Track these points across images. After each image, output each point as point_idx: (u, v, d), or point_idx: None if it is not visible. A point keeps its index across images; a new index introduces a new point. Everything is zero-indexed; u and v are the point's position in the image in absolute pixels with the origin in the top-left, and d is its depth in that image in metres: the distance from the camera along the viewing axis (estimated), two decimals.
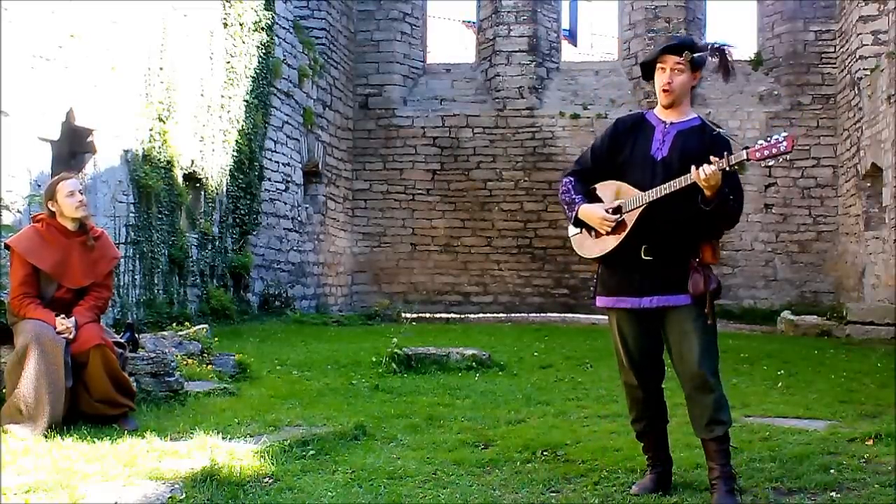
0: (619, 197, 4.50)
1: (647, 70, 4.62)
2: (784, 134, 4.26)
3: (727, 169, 4.22)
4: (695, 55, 4.49)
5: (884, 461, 5.16)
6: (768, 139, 4.26)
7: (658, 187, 4.36)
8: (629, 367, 4.57)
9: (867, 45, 18.08)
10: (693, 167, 4.25)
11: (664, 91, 4.52)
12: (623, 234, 4.44)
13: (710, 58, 4.60)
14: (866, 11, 18.10)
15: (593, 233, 4.58)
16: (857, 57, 18.29)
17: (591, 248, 4.62)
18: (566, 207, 4.67)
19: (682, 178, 4.31)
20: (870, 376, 9.15)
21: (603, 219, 4.47)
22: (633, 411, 4.70)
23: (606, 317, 4.74)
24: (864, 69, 18.01)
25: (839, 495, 4.48)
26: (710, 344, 4.45)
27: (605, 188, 4.60)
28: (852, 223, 18.81)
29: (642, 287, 4.46)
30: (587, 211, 4.54)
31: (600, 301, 4.65)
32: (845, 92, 19.41)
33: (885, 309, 14.46)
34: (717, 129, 4.52)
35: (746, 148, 4.27)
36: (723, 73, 4.57)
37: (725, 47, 4.58)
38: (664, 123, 4.58)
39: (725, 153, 4.25)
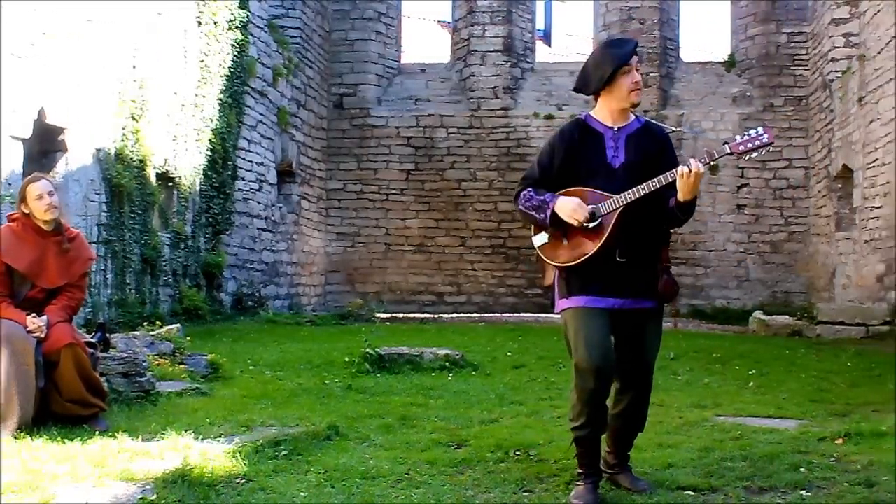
0: (586, 203, 4.43)
1: (598, 78, 4.56)
2: (760, 128, 4.33)
3: (711, 162, 4.29)
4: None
5: (853, 460, 5.20)
6: (748, 133, 4.31)
7: (636, 188, 4.34)
8: (592, 368, 4.31)
9: (839, 47, 18.23)
10: (681, 166, 4.27)
11: (636, 91, 4.52)
12: (603, 237, 4.39)
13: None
14: (838, 14, 18.25)
15: (566, 240, 4.50)
16: (829, 59, 18.43)
17: (566, 254, 4.51)
18: (534, 212, 4.53)
19: (661, 177, 4.32)
20: (840, 376, 9.21)
21: (577, 210, 4.38)
22: (582, 416, 4.41)
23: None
24: (835, 71, 18.15)
25: (809, 494, 4.51)
26: (659, 342, 4.63)
27: (567, 196, 4.51)
28: (823, 224, 18.95)
29: (618, 289, 4.45)
30: (565, 205, 4.43)
31: (570, 302, 4.48)
32: (817, 94, 19.55)
33: (856, 309, 14.58)
34: (664, 128, 4.64)
35: (728, 143, 4.32)
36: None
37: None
38: (612, 129, 4.58)
39: (706, 151, 4.31)
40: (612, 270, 4.42)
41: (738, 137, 4.33)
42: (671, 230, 4.62)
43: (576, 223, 4.41)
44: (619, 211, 4.37)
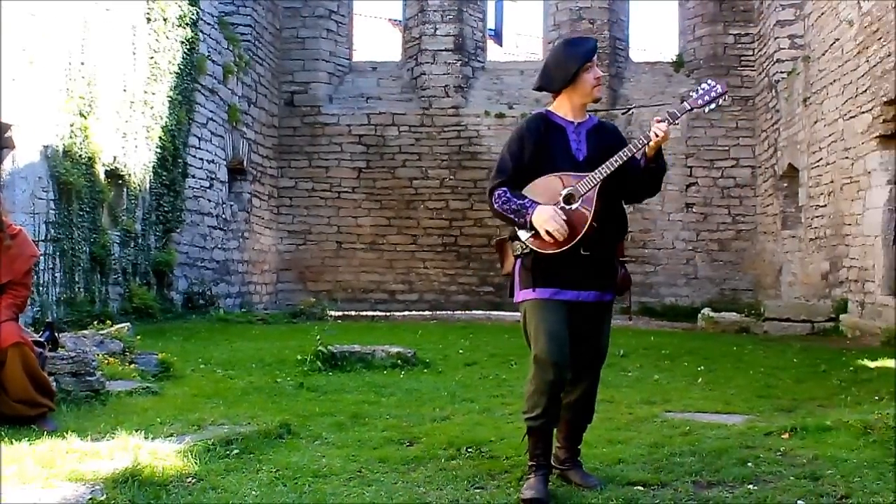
0: (561, 189, 4.46)
1: (560, 76, 4.66)
2: (712, 80, 4.50)
3: (675, 123, 4.48)
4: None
5: (799, 454, 5.26)
6: (701, 87, 4.48)
7: (607, 162, 4.43)
8: (552, 362, 4.37)
9: (784, 48, 18.47)
10: (652, 127, 4.45)
11: (599, 86, 4.68)
12: (590, 216, 4.40)
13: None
14: (783, 16, 18.49)
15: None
16: (775, 60, 18.66)
17: (545, 244, 4.45)
18: (513, 216, 4.50)
19: (631, 145, 4.48)
20: (786, 371, 9.34)
21: (554, 220, 4.37)
22: (538, 407, 4.44)
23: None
24: (781, 72, 18.38)
25: (756, 488, 4.56)
26: (608, 334, 4.73)
27: (536, 187, 4.52)
28: (770, 222, 19.18)
29: (582, 282, 4.51)
30: (543, 215, 4.41)
31: (535, 293, 4.49)
32: (763, 94, 19.78)
33: (801, 306, 14.78)
34: (613, 124, 4.85)
35: (685, 100, 4.43)
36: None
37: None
38: (572, 124, 4.68)
39: (668, 112, 4.53)
40: (577, 264, 4.48)
41: (693, 93, 4.49)
42: (645, 193, 4.75)
43: (550, 237, 4.38)
44: (598, 186, 4.43)
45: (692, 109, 4.53)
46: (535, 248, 4.49)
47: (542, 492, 4.33)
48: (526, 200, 4.48)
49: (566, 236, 4.38)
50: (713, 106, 4.50)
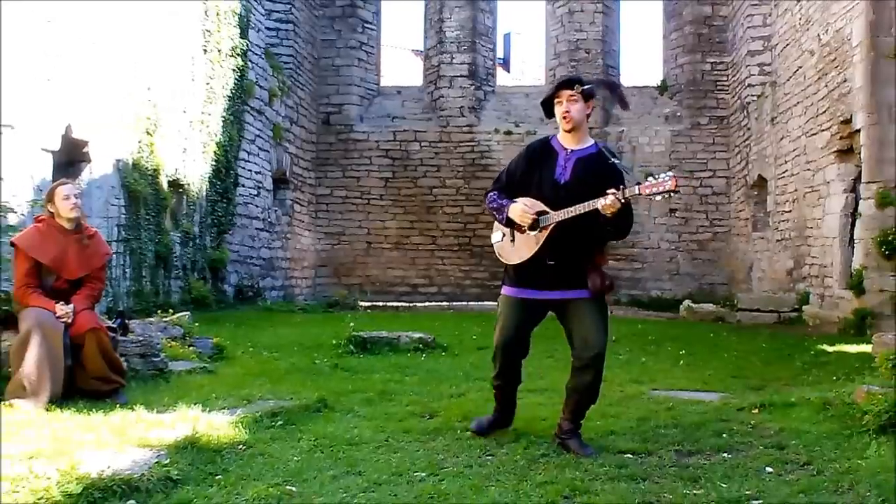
0: (538, 207, 4.66)
1: (548, 107, 4.81)
2: (670, 174, 4.45)
3: (622, 200, 4.41)
4: (584, 88, 4.70)
5: (767, 426, 5.26)
6: (657, 177, 4.45)
7: (565, 209, 4.55)
8: (507, 341, 4.78)
9: (754, 75, 18.40)
10: (601, 198, 4.42)
11: (564, 118, 4.70)
12: (537, 247, 4.63)
13: (597, 89, 4.86)
14: (754, 47, 18.42)
15: (513, 243, 4.75)
16: (746, 85, 18.59)
17: (510, 255, 4.79)
18: (496, 213, 4.82)
19: (587, 203, 4.48)
20: (756, 355, 9.30)
21: (525, 214, 4.64)
22: (498, 374, 4.92)
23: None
24: (752, 95, 18.31)
25: (730, 456, 4.56)
26: (605, 328, 4.71)
27: (523, 202, 4.72)
28: (742, 225, 19.11)
29: (547, 284, 4.67)
30: (516, 209, 4.67)
31: (507, 290, 4.85)
32: (736, 114, 19.71)
33: (769, 298, 14.73)
34: (613, 160, 4.67)
35: (639, 184, 4.46)
36: (620, 103, 4.92)
37: (615, 83, 4.95)
38: (566, 150, 4.75)
39: (622, 186, 4.45)
40: (543, 270, 4.66)
41: (650, 179, 4.46)
42: (607, 239, 4.75)
43: (523, 224, 4.65)
44: (551, 226, 4.59)
45: (640, 195, 4.44)
46: (497, 254, 4.91)
47: (483, 423, 5.03)
48: (505, 200, 4.76)
49: (529, 224, 4.63)
50: (659, 198, 4.44)
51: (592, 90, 4.73)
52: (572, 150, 4.73)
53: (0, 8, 7.78)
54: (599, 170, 4.63)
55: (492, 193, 4.88)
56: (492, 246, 5.01)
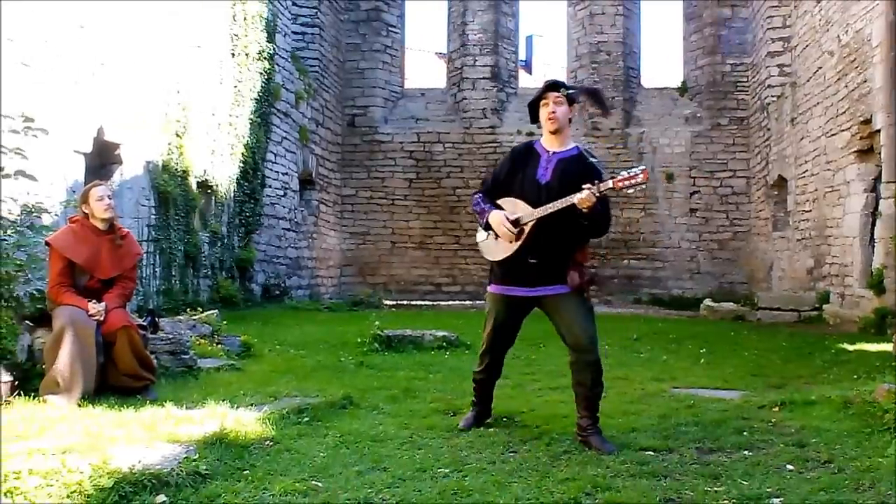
0: (516, 210, 4.76)
1: (534, 111, 4.92)
2: (642, 167, 4.59)
3: (598, 194, 4.50)
4: (569, 92, 4.83)
5: (788, 424, 5.21)
6: (629, 171, 4.55)
7: (544, 206, 4.64)
8: (494, 335, 5.00)
9: (774, 76, 18.25)
10: (577, 193, 4.51)
11: (550, 119, 4.81)
12: (518, 244, 4.73)
13: (581, 97, 4.99)
14: (773, 48, 18.28)
15: (497, 241, 4.84)
16: (766, 86, 18.45)
17: (494, 252, 4.87)
18: (478, 216, 4.94)
19: (563, 199, 4.57)
20: (776, 353, 9.23)
21: (502, 224, 4.73)
22: (481, 365, 5.13)
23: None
24: (771, 96, 18.17)
25: (751, 453, 4.52)
26: (589, 320, 4.77)
27: (506, 203, 4.85)
28: (762, 225, 18.97)
29: (528, 281, 4.77)
30: (495, 217, 4.78)
31: (493, 288, 4.96)
32: (756, 115, 19.57)
33: (789, 297, 14.62)
34: (592, 159, 4.80)
35: (612, 178, 4.56)
36: (601, 109, 4.98)
37: (596, 90, 5.01)
38: (548, 152, 4.86)
39: (596, 181, 4.54)
40: (524, 268, 4.75)
41: (624, 173, 4.56)
42: (588, 236, 4.80)
43: (504, 238, 4.76)
44: (533, 223, 4.68)
45: (613, 188, 4.52)
46: (482, 252, 5.01)
47: (470, 419, 5.13)
48: (487, 206, 4.88)
49: (512, 237, 4.72)
50: (632, 190, 4.60)
51: (575, 96, 4.87)
52: (554, 152, 4.84)
53: (0, 8, 7.84)
54: (579, 169, 4.71)
55: (477, 196, 5.00)
56: None
